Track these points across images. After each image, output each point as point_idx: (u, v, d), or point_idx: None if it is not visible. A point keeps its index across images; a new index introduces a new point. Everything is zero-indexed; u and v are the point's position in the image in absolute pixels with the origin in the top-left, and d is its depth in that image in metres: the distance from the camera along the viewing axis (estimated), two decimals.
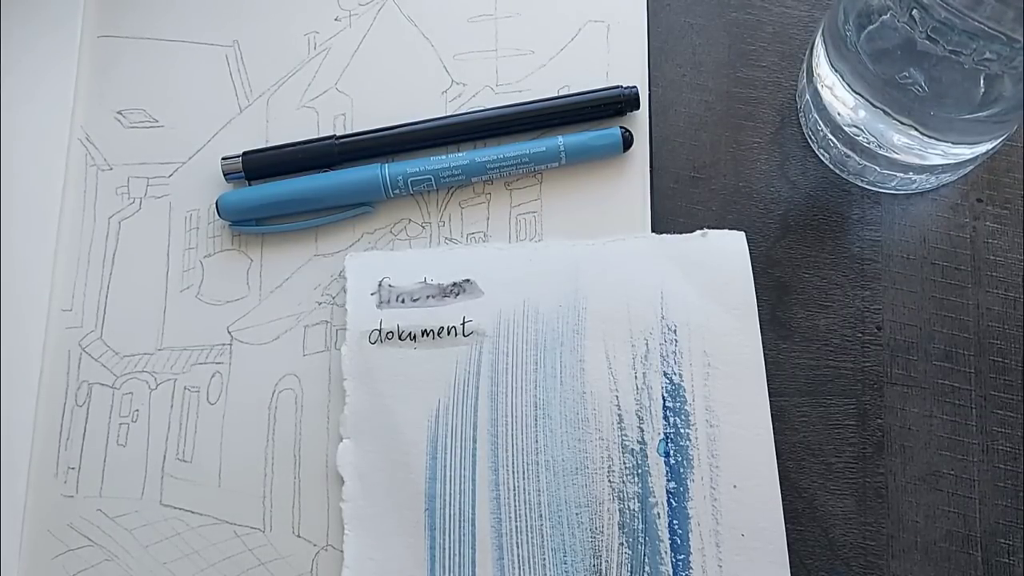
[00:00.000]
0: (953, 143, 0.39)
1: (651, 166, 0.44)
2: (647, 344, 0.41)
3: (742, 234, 0.42)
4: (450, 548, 0.39)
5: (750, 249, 0.43)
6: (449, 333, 0.42)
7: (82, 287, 0.44)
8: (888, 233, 0.43)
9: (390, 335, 0.42)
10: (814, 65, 0.42)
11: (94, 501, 0.41)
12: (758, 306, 0.41)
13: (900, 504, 0.40)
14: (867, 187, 0.43)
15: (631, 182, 0.44)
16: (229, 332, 0.43)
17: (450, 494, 0.40)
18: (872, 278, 0.42)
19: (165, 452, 0.42)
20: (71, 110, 0.46)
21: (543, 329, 0.41)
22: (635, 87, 0.44)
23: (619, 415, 0.40)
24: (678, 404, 0.40)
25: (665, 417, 0.40)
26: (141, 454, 0.42)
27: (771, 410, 0.40)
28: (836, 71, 0.40)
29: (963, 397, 0.41)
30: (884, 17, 0.37)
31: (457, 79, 0.46)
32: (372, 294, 0.42)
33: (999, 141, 0.40)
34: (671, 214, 0.44)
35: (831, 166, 0.44)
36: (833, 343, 0.42)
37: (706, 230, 0.42)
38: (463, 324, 0.42)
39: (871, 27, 0.38)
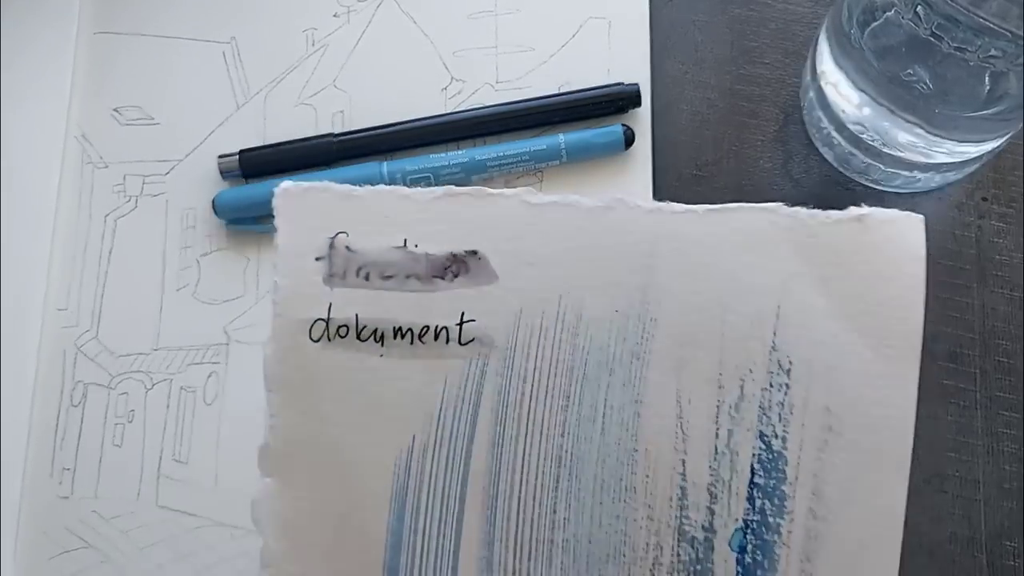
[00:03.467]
0: (958, 141, 0.39)
1: (653, 164, 0.44)
2: (742, 387, 0.28)
3: (920, 219, 0.28)
4: None
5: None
6: (437, 337, 0.28)
7: (78, 286, 0.43)
8: None
9: (343, 330, 0.28)
10: (818, 62, 0.42)
11: (89, 502, 0.41)
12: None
13: (905, 506, 0.40)
14: (871, 186, 0.43)
15: (633, 180, 0.43)
16: (226, 332, 0.43)
17: (421, 574, 0.28)
18: None
19: (161, 453, 0.41)
20: (67, 107, 0.46)
21: (586, 345, 0.28)
22: (637, 84, 0.44)
23: (682, 487, 0.28)
24: (773, 482, 0.27)
25: (750, 498, 0.27)
26: (137, 455, 0.41)
27: None
28: (840, 68, 0.40)
29: (968, 398, 0.41)
30: (888, 14, 0.37)
31: (457, 76, 0.45)
32: (318, 259, 0.28)
33: (1004, 139, 0.40)
34: None
35: (835, 164, 0.43)
36: None
37: (864, 207, 0.28)
38: (460, 325, 0.28)
39: (875, 24, 0.38)
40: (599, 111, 0.44)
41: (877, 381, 0.27)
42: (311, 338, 0.27)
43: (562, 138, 0.43)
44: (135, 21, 0.47)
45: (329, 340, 0.27)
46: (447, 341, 0.28)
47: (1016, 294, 0.42)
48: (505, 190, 0.28)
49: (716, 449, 0.28)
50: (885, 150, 0.40)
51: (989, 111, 0.37)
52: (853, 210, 0.28)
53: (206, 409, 0.42)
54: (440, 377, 0.27)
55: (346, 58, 0.46)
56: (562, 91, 0.45)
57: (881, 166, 0.41)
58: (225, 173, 0.44)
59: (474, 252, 0.28)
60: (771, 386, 0.27)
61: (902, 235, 0.28)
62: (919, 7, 0.34)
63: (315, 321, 0.27)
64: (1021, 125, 0.40)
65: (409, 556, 0.28)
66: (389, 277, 0.27)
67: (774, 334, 0.27)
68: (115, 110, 0.46)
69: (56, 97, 0.46)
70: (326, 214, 0.28)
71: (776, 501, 0.27)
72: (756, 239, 0.28)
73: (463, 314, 0.28)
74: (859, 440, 0.27)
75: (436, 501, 0.28)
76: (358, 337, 0.28)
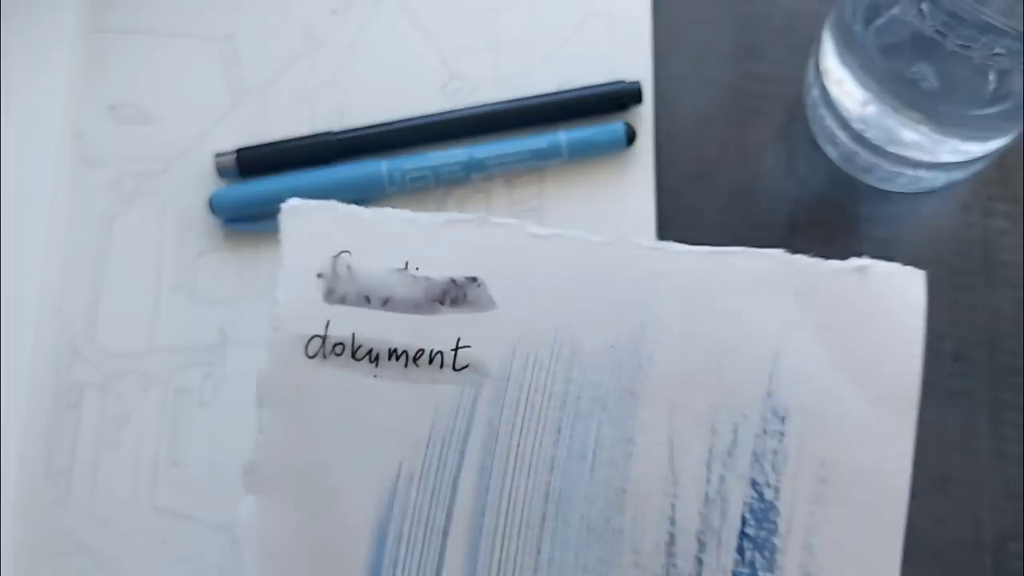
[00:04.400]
0: (963, 139, 0.39)
1: (655, 162, 0.44)
2: (736, 432, 0.27)
3: (922, 274, 0.28)
4: None
5: (757, 247, 0.34)
6: (432, 361, 0.27)
7: (73, 286, 0.43)
8: (897, 232, 0.43)
9: (339, 348, 0.28)
10: (822, 60, 0.41)
11: (85, 504, 0.41)
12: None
13: (909, 508, 0.39)
14: (876, 185, 0.43)
15: (635, 178, 0.43)
16: (223, 332, 0.42)
17: None
18: None
19: (157, 455, 0.41)
20: (63, 105, 0.45)
21: (580, 380, 0.27)
22: (639, 82, 0.44)
23: (671, 533, 0.27)
24: (763, 533, 0.27)
25: (740, 549, 0.27)
26: (133, 457, 0.41)
27: None
28: (844, 65, 0.40)
29: (973, 399, 0.41)
30: (893, 11, 0.36)
31: (456, 73, 0.45)
32: (319, 275, 0.28)
33: (1010, 138, 0.40)
34: (676, 211, 0.43)
35: (839, 163, 0.43)
36: None
37: (866, 259, 0.28)
38: (455, 351, 0.27)
39: (879, 21, 0.38)
40: (600, 109, 0.44)
41: (874, 436, 0.27)
42: (307, 354, 0.27)
43: (563, 136, 0.43)
44: (131, 19, 0.47)
45: (324, 357, 0.27)
46: (441, 366, 0.27)
47: (1022, 294, 0.42)
48: (509, 220, 0.29)
49: (707, 495, 0.27)
50: (889, 148, 0.40)
51: (994, 109, 0.37)
52: (854, 261, 0.28)
53: (202, 410, 0.41)
54: (431, 404, 0.27)
55: (344, 55, 0.46)
56: (563, 88, 0.44)
57: (885, 164, 0.41)
58: (222, 172, 0.44)
59: (474, 279, 0.28)
60: (765, 433, 0.27)
61: (902, 288, 0.28)
62: (923, 4, 0.34)
63: (312, 337, 0.27)
64: None
65: None
66: (388, 298, 0.27)
67: (770, 380, 0.27)
68: (111, 108, 0.46)
69: (51, 95, 0.45)
70: (330, 233, 0.28)
71: (767, 554, 0.27)
72: (756, 284, 0.28)
73: (459, 340, 0.27)
74: (854, 495, 0.27)
75: (419, 533, 0.27)
76: (353, 356, 0.27)
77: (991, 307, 0.41)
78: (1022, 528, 0.39)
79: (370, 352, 0.27)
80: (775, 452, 0.27)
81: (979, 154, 0.40)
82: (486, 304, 0.28)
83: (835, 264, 0.28)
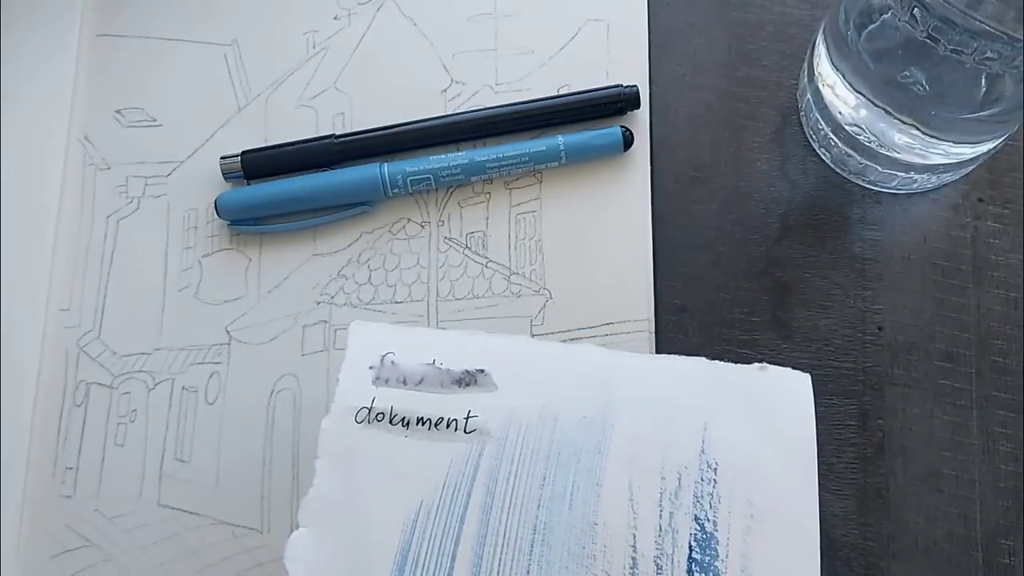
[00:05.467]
0: (954, 142, 0.39)
1: (651, 166, 0.44)
2: (679, 479, 0.34)
3: (807, 376, 0.36)
4: None
5: (750, 249, 0.42)
6: (448, 426, 0.35)
7: (80, 287, 0.44)
8: (889, 233, 0.43)
9: (380, 416, 0.36)
10: (815, 64, 0.42)
11: (92, 501, 0.41)
12: (760, 307, 0.41)
13: (901, 505, 0.40)
14: (868, 187, 0.43)
15: (631, 182, 0.44)
16: (227, 332, 0.43)
17: None
18: (873, 278, 0.42)
19: (163, 452, 0.41)
20: (69, 109, 0.46)
21: (560, 440, 0.35)
22: (635, 86, 0.44)
23: (633, 558, 0.33)
24: (707, 558, 0.33)
25: (689, 571, 0.33)
26: (139, 454, 0.41)
27: None
28: (837, 70, 0.40)
29: (964, 398, 0.41)
30: (885, 16, 0.37)
31: (456, 78, 0.46)
32: (371, 368, 0.36)
33: (1000, 140, 0.40)
34: (671, 213, 0.44)
35: (832, 165, 0.44)
36: (834, 343, 0.42)
37: (766, 365, 0.36)
38: (467, 419, 0.35)
39: (872, 26, 0.38)
40: (598, 113, 0.44)
41: (786, 484, 0.34)
42: (356, 420, 0.36)
43: (561, 140, 0.43)
44: (137, 23, 0.47)
45: (369, 423, 0.36)
46: (455, 430, 0.35)
47: (1012, 294, 0.42)
48: (510, 335, 0.38)
49: (660, 527, 0.34)
50: (882, 151, 0.41)
51: (985, 113, 0.37)
52: (757, 365, 0.36)
53: (208, 409, 0.42)
54: (447, 457, 0.35)
55: (347, 60, 0.46)
56: (561, 93, 0.45)
57: (878, 167, 0.42)
58: (227, 174, 0.44)
59: (482, 370, 0.36)
60: (702, 480, 0.34)
61: (794, 384, 0.36)
62: (915, 9, 0.34)
63: (360, 408, 0.36)
64: (1017, 127, 0.40)
65: None
66: (420, 383, 0.36)
67: (703, 441, 0.35)
68: (117, 112, 0.46)
69: (58, 99, 0.46)
70: (381, 340, 0.37)
71: (711, 574, 0.33)
72: (689, 378, 0.36)
73: (469, 411, 0.35)
74: (776, 527, 0.33)
75: (433, 557, 0.33)
76: (390, 422, 0.35)
77: (981, 307, 0.42)
78: (1012, 525, 0.40)
79: (403, 419, 0.35)
80: (711, 494, 0.34)
81: (970, 157, 0.40)
82: (490, 387, 0.36)
83: (745, 367, 0.36)
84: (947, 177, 0.42)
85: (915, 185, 0.42)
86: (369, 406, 0.36)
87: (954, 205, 0.43)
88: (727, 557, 0.33)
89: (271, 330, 0.43)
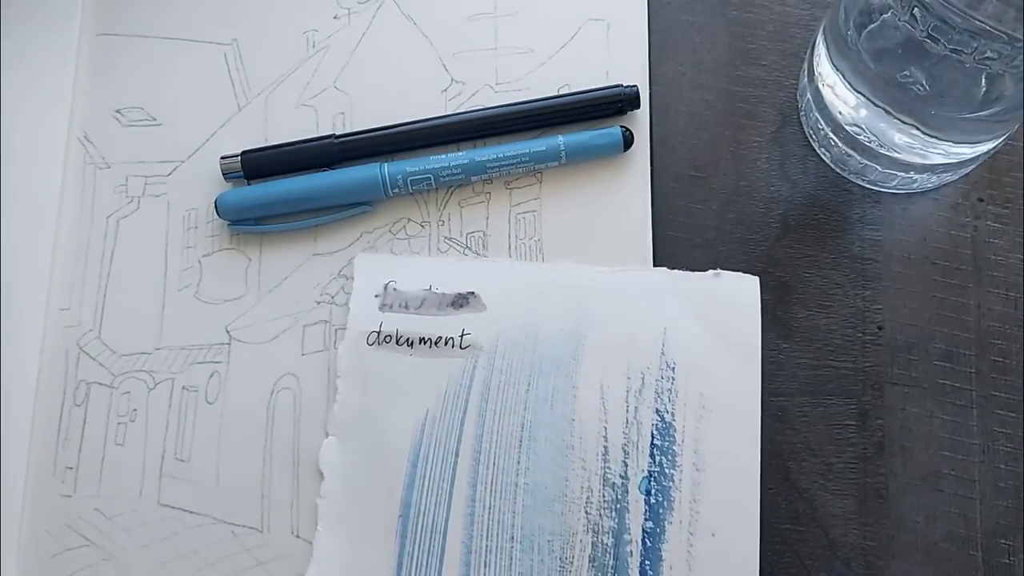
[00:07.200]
0: (954, 142, 0.39)
1: (651, 165, 0.44)
2: (643, 379, 0.40)
3: (755, 279, 0.41)
4: (418, 558, 0.39)
5: (750, 249, 0.43)
6: (446, 344, 0.41)
7: (80, 286, 0.44)
8: (889, 233, 0.43)
9: (388, 339, 0.41)
10: (815, 64, 0.42)
11: (92, 501, 0.41)
12: (761, 307, 0.41)
13: (900, 504, 0.40)
14: (868, 186, 0.43)
15: (631, 181, 0.44)
16: (227, 331, 0.43)
17: (425, 504, 0.40)
18: (873, 278, 0.42)
19: (163, 452, 0.42)
20: (70, 108, 0.46)
21: (541, 351, 0.41)
22: (635, 86, 0.44)
23: (605, 447, 0.40)
24: (666, 443, 0.40)
25: (651, 455, 0.40)
26: (139, 454, 0.42)
27: (772, 410, 0.40)
28: (837, 70, 0.40)
29: (964, 397, 0.41)
30: (885, 16, 0.37)
31: (456, 78, 0.46)
32: (376, 296, 0.42)
33: (1000, 140, 0.40)
34: (671, 213, 0.44)
35: (832, 165, 0.44)
36: (834, 343, 0.42)
37: (719, 270, 0.42)
38: (461, 336, 0.41)
39: (872, 26, 0.38)
40: (598, 113, 0.44)
41: (732, 376, 0.40)
42: (367, 343, 0.42)
43: (561, 139, 0.43)
44: (137, 23, 0.47)
45: (379, 345, 0.42)
46: (452, 346, 0.42)
47: (1012, 294, 0.42)
48: (495, 258, 0.43)
49: (627, 420, 0.40)
50: (882, 151, 0.41)
51: (985, 112, 0.37)
52: (711, 271, 0.42)
53: (208, 408, 0.42)
54: (446, 370, 0.41)
55: (347, 60, 0.46)
56: (561, 93, 0.45)
57: (878, 167, 0.42)
58: (227, 174, 0.44)
59: (472, 292, 0.42)
60: (662, 378, 0.41)
61: (743, 285, 0.41)
62: (915, 9, 0.34)
63: (371, 332, 0.42)
64: (1017, 126, 0.40)
65: (419, 493, 0.40)
66: (419, 307, 0.42)
67: (663, 344, 0.41)
68: (117, 111, 0.46)
69: (58, 98, 0.46)
70: (384, 270, 0.43)
71: (670, 457, 0.40)
72: (651, 287, 0.42)
73: (463, 330, 0.42)
74: (725, 415, 0.40)
75: (439, 454, 0.40)
76: (396, 343, 0.42)
77: (981, 307, 0.42)
78: (1012, 525, 0.40)
79: (407, 340, 0.42)
80: (669, 390, 0.40)
81: (970, 156, 0.40)
82: (480, 307, 0.42)
83: (701, 273, 0.42)
84: (947, 177, 0.42)
85: (915, 185, 0.42)
86: (378, 330, 0.42)
87: (954, 205, 0.43)
88: (683, 442, 0.40)
89: (271, 330, 0.43)
